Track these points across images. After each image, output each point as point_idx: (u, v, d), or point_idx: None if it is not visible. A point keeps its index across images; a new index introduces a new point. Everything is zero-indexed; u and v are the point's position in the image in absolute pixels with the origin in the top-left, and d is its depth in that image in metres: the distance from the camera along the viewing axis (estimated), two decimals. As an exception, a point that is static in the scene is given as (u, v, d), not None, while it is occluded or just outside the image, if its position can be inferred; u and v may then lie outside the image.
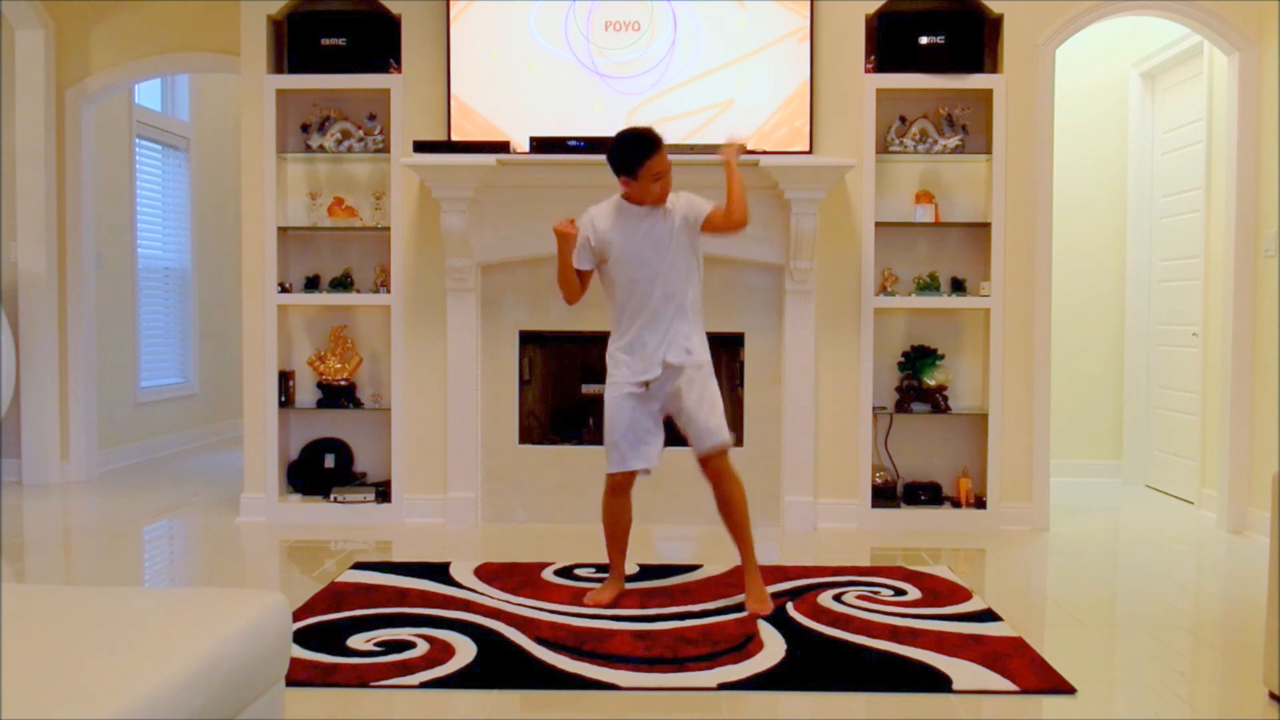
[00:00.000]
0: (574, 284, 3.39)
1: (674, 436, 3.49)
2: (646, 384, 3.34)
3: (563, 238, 3.34)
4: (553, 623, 3.22)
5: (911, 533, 4.58)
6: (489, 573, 3.80)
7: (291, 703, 2.55)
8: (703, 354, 3.37)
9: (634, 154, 3.24)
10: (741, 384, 4.76)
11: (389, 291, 4.75)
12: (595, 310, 4.50)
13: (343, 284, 4.83)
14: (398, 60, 4.69)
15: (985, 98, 4.65)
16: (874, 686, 2.75)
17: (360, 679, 2.76)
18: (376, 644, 3.02)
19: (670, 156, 4.37)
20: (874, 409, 4.69)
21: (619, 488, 3.40)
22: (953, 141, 4.65)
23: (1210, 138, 5.00)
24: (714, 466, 3.36)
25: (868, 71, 4.61)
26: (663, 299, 3.31)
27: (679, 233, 3.32)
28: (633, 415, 3.33)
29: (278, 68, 4.79)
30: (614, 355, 3.39)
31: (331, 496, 4.75)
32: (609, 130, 4.48)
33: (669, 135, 4.54)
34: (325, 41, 4.67)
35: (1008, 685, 2.74)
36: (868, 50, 4.61)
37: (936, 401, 4.69)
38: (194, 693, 1.62)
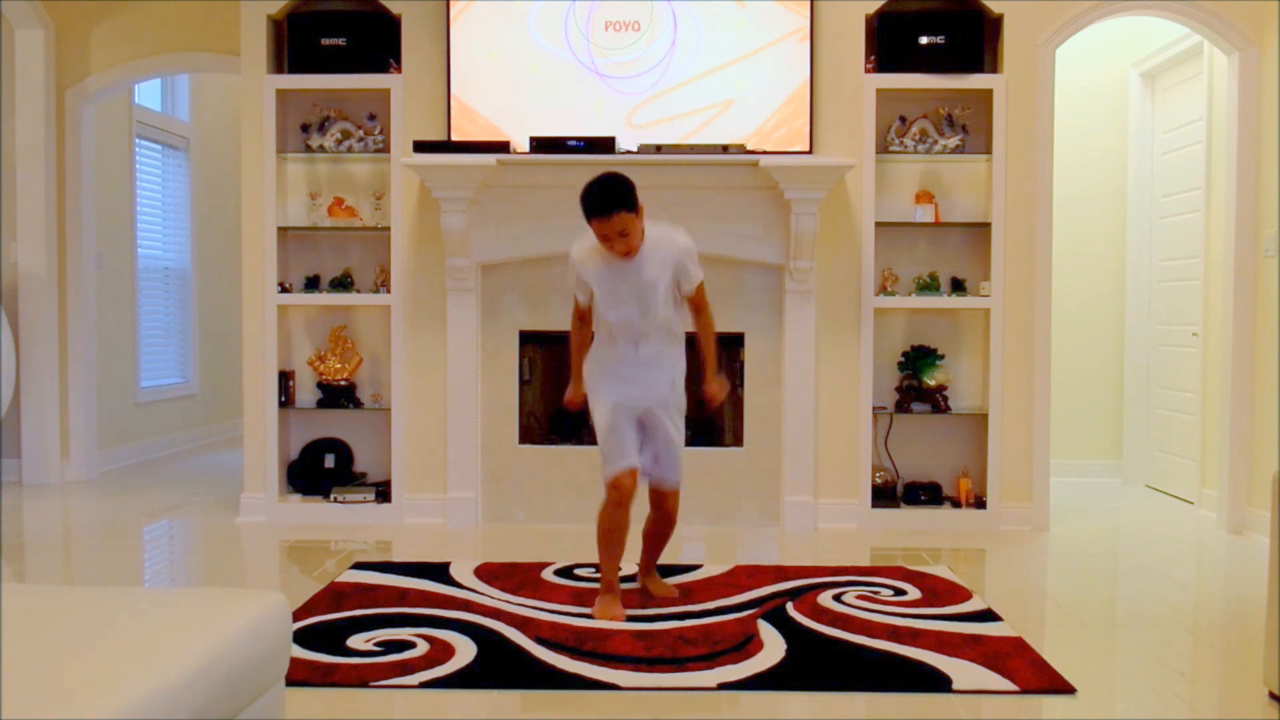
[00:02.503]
0: (582, 336, 3.39)
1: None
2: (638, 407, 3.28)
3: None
4: (553, 623, 3.22)
5: (911, 533, 4.58)
6: (489, 573, 3.80)
7: (291, 703, 2.55)
8: (682, 384, 3.35)
9: (587, 207, 3.10)
10: (741, 384, 4.75)
11: (389, 291, 4.75)
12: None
13: (343, 284, 4.83)
14: (398, 60, 4.68)
15: (985, 98, 4.65)
16: (874, 686, 2.75)
17: (360, 679, 2.76)
18: (376, 644, 3.02)
19: (670, 157, 4.40)
20: (874, 409, 4.69)
21: (623, 497, 3.23)
22: (953, 141, 4.65)
23: (1210, 138, 4.99)
24: (667, 496, 3.38)
25: (868, 71, 4.61)
26: (649, 328, 3.23)
27: (666, 279, 3.19)
28: (625, 425, 3.24)
29: (278, 68, 4.79)
30: (597, 374, 3.32)
31: (331, 496, 4.75)
32: (609, 130, 4.52)
33: (669, 135, 4.59)
34: (325, 41, 4.66)
35: (1008, 685, 2.74)
36: (868, 50, 4.61)
37: (936, 401, 4.69)
38: (194, 693, 1.62)
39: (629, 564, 3.56)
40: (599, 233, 3.11)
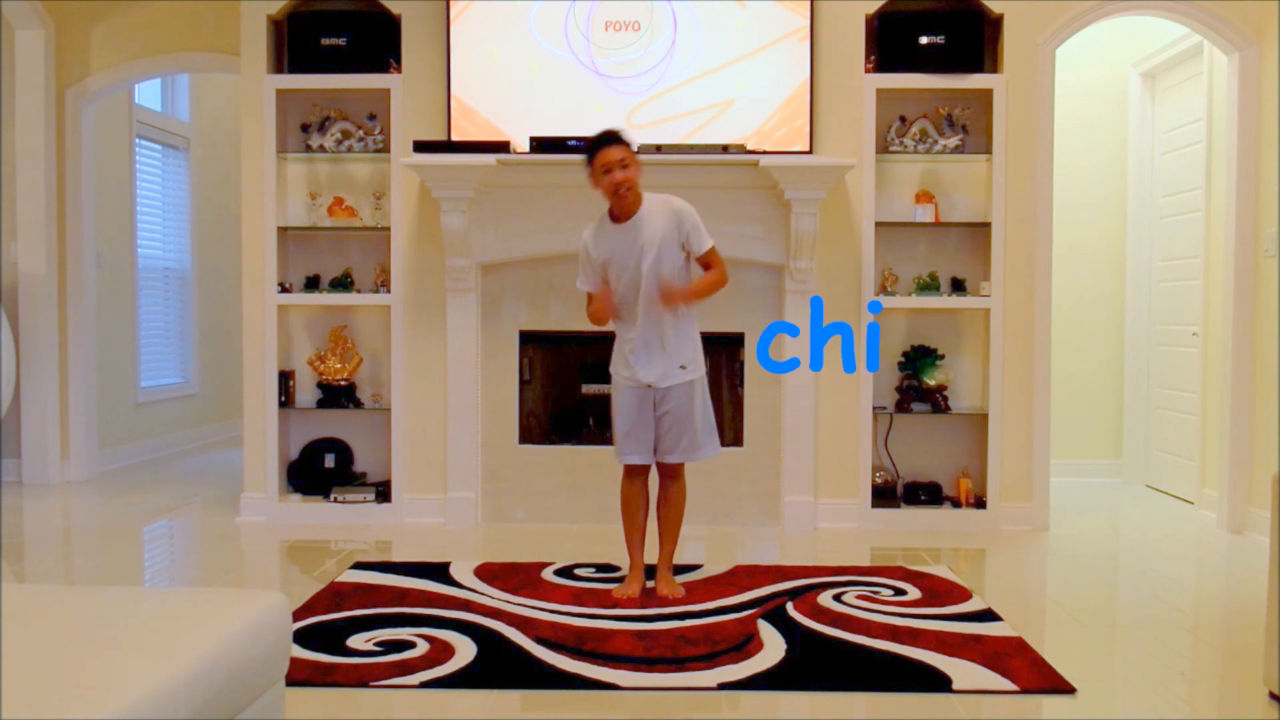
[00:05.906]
0: (600, 312, 3.42)
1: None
2: (646, 384, 3.47)
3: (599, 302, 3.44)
4: (553, 623, 3.22)
5: (911, 533, 4.58)
6: (489, 573, 3.80)
7: (291, 703, 2.55)
8: (696, 366, 3.48)
9: (590, 146, 3.37)
10: (741, 384, 4.75)
11: (389, 291, 4.75)
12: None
13: (343, 284, 4.83)
14: (398, 60, 4.68)
15: (985, 98, 4.65)
16: (874, 686, 2.75)
17: (360, 679, 2.76)
18: (376, 644, 3.02)
19: (670, 156, 4.40)
20: (874, 409, 4.69)
21: (633, 472, 3.54)
22: (953, 141, 4.65)
23: (1210, 138, 4.99)
24: (673, 469, 3.56)
25: (868, 71, 4.61)
26: (650, 305, 3.39)
27: (668, 242, 3.36)
28: (629, 411, 3.48)
29: (278, 68, 4.79)
30: (619, 354, 3.53)
31: (331, 496, 4.75)
32: (609, 130, 4.52)
33: (669, 135, 4.60)
34: (325, 41, 4.66)
35: (1008, 685, 2.74)
36: (868, 50, 4.61)
37: (936, 401, 4.69)
38: (194, 693, 1.62)
39: (650, 555, 3.65)
40: (602, 165, 3.30)
